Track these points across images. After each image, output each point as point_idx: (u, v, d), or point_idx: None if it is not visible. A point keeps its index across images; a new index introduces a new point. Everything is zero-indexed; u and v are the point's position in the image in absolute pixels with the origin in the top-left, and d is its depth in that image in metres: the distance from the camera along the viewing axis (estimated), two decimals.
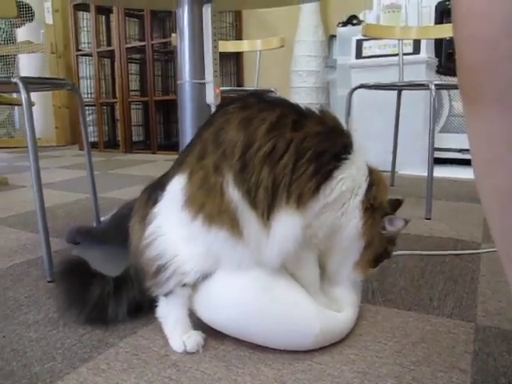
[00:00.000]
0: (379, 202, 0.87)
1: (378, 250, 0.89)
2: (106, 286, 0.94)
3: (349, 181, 0.83)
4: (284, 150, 0.79)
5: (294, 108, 0.84)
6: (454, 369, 0.81)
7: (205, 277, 0.85)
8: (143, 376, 0.80)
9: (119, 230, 1.00)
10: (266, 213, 0.80)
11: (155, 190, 0.90)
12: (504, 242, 0.53)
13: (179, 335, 0.89)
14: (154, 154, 4.32)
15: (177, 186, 0.84)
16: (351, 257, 0.89)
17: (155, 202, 0.88)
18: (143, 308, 0.96)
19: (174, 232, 0.85)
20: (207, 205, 0.81)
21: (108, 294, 0.94)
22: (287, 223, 0.80)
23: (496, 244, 0.55)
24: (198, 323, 0.91)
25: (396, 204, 0.93)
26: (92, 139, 4.76)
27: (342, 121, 0.88)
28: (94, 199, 1.63)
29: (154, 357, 0.85)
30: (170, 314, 0.89)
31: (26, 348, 0.89)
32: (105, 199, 2.21)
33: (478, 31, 0.47)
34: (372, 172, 0.88)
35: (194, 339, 0.88)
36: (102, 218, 1.65)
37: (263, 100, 0.85)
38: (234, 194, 0.80)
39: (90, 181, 1.61)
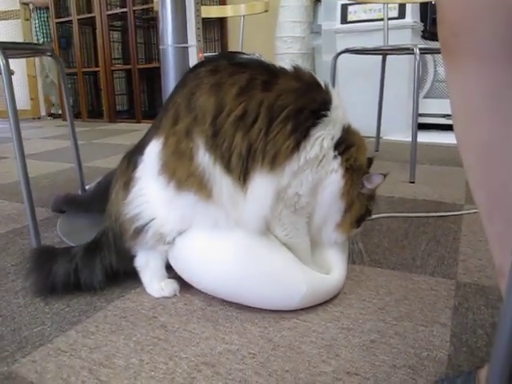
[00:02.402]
0: (359, 165, 0.87)
1: (361, 212, 0.90)
2: (72, 260, 0.93)
3: (329, 138, 0.83)
4: (256, 113, 0.79)
5: (265, 68, 0.83)
6: (434, 323, 0.83)
7: (182, 232, 0.88)
8: (132, 337, 0.81)
9: (104, 197, 1.00)
10: (243, 177, 0.81)
11: (134, 154, 0.91)
12: (485, 196, 0.54)
13: (157, 282, 0.94)
14: (138, 123, 4.27)
15: (154, 151, 0.85)
16: (333, 218, 0.90)
17: (135, 166, 0.89)
18: (120, 272, 0.96)
19: (153, 195, 0.87)
20: (178, 170, 0.83)
21: (75, 268, 0.92)
22: (261, 185, 0.81)
23: (476, 201, 0.56)
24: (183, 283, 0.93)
25: (368, 163, 0.93)
26: (75, 109, 4.68)
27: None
28: (78, 168, 1.62)
29: (142, 319, 0.87)
30: (148, 264, 0.94)
31: (15, 314, 0.89)
32: (89, 168, 2.20)
33: None
34: (354, 134, 0.88)
35: (171, 285, 0.94)
36: (86, 187, 1.65)
37: (234, 62, 0.83)
38: (204, 158, 0.80)
39: (74, 150, 1.60)
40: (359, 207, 0.89)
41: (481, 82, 0.48)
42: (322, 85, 0.85)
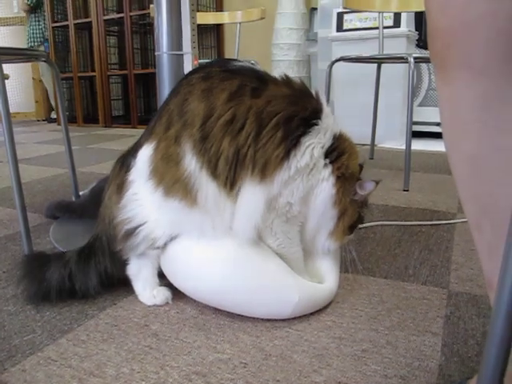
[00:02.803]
0: (350, 172, 0.87)
1: (353, 219, 0.90)
2: (67, 266, 0.92)
3: (319, 147, 0.83)
4: (244, 118, 0.79)
5: (256, 75, 0.83)
6: (426, 332, 0.83)
7: (174, 238, 0.88)
8: (123, 346, 0.81)
9: (98, 203, 1.00)
10: (230, 183, 0.81)
11: (127, 157, 0.92)
12: (474, 207, 0.54)
13: (149, 290, 0.94)
14: (134, 128, 4.27)
15: (145, 155, 0.86)
16: (326, 226, 0.89)
17: (128, 169, 0.90)
18: (114, 277, 0.96)
19: (145, 199, 0.87)
20: (166, 175, 0.83)
21: (70, 274, 0.92)
22: (252, 196, 0.81)
23: (465, 211, 0.56)
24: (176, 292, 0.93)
25: (359, 169, 0.92)
26: (70, 114, 4.68)
27: (323, 94, 0.87)
28: (72, 174, 1.62)
29: (133, 327, 0.86)
30: (140, 272, 0.94)
31: (5, 321, 0.89)
32: (84, 174, 2.19)
33: None
34: (345, 141, 0.88)
35: (162, 293, 0.94)
36: (81, 193, 1.64)
37: (226, 69, 0.84)
38: (190, 163, 0.81)
39: (68, 155, 1.59)
40: (352, 214, 0.89)
41: (471, 94, 0.49)
42: (313, 93, 0.85)
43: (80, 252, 0.95)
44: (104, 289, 0.96)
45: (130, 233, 0.88)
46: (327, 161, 0.84)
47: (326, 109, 0.85)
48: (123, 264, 0.94)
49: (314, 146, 0.82)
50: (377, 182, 0.88)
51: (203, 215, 0.83)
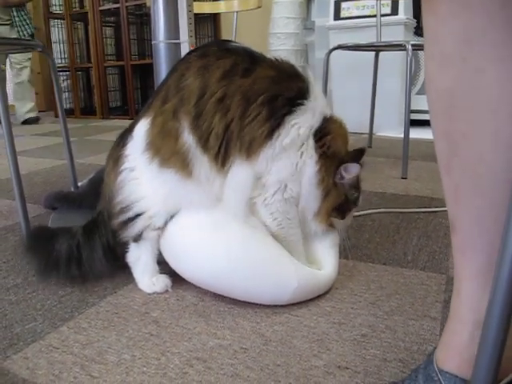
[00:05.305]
0: (332, 151, 0.88)
1: (338, 200, 0.90)
2: (74, 237, 0.95)
3: (305, 126, 0.85)
4: (233, 97, 0.82)
5: (250, 55, 0.85)
6: (425, 317, 0.84)
7: (171, 217, 0.89)
8: (124, 333, 0.81)
9: (97, 193, 1.01)
10: (221, 159, 0.83)
11: (125, 134, 0.93)
12: (445, 145, 0.53)
13: (149, 278, 0.95)
14: (131, 119, 4.23)
15: (142, 129, 0.88)
16: (311, 206, 0.90)
17: (124, 144, 0.91)
18: (116, 251, 0.97)
19: (141, 173, 0.89)
20: (163, 148, 0.85)
21: (78, 244, 0.95)
22: (239, 173, 0.84)
23: (437, 152, 0.55)
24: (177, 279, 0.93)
25: (358, 153, 0.92)
26: (67, 106, 4.66)
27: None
28: (70, 165, 1.62)
29: (134, 314, 0.87)
30: (139, 258, 0.94)
31: (6, 310, 0.89)
32: (82, 165, 2.19)
33: None
34: (334, 123, 0.89)
35: (162, 280, 0.95)
36: (79, 183, 1.64)
37: (223, 48, 0.87)
38: (188, 138, 0.83)
39: (66, 146, 1.59)
40: (336, 196, 0.90)
41: (453, 26, 0.48)
42: (302, 75, 0.87)
43: (85, 226, 0.97)
44: (100, 280, 0.97)
45: (125, 209, 0.89)
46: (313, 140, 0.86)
47: (314, 90, 0.86)
48: (123, 240, 0.95)
49: (299, 125, 0.84)
50: (361, 165, 0.89)
51: (195, 188, 0.85)
